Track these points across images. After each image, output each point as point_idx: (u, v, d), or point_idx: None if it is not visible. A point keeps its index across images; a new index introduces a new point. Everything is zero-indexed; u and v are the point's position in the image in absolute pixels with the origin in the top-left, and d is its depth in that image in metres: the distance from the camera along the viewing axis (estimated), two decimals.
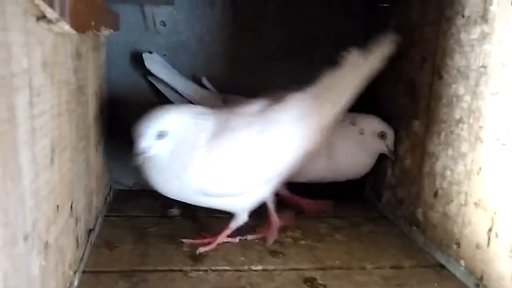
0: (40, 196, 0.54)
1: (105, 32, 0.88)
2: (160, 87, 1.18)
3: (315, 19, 1.26)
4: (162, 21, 1.18)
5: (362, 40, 1.28)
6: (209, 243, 0.94)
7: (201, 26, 1.22)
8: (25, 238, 0.49)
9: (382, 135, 1.14)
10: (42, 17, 0.51)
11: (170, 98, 1.17)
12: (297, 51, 1.26)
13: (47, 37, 0.56)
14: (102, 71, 1.03)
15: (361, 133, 1.14)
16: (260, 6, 1.23)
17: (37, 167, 0.53)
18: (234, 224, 0.96)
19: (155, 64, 1.16)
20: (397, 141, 1.14)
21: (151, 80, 1.18)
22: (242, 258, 0.91)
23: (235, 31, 1.24)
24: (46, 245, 0.58)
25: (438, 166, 0.96)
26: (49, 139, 0.58)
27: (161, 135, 0.81)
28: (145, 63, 1.14)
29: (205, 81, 1.20)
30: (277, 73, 1.25)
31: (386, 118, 1.16)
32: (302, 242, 1.00)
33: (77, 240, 0.78)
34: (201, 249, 0.93)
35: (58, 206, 0.63)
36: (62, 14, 0.51)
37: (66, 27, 0.55)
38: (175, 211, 1.12)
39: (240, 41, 1.24)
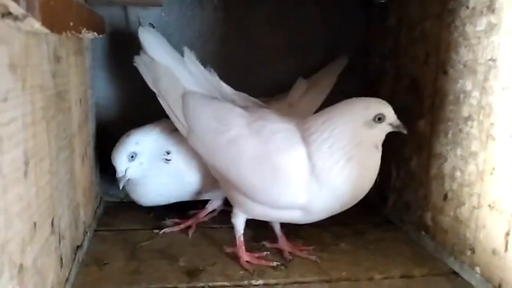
0: (10, 214, 0.48)
1: (88, 35, 0.83)
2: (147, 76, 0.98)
3: (309, 20, 1.20)
4: (150, 23, 1.11)
5: (360, 39, 1.24)
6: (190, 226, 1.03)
7: (191, 29, 1.17)
8: None
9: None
10: (7, 13, 0.46)
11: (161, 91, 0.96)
12: (292, 54, 1.21)
13: (15, 36, 0.50)
14: (87, 76, 0.97)
15: None
16: (252, 7, 1.18)
17: (5, 182, 0.47)
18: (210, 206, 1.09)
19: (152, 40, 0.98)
20: (401, 142, 1.08)
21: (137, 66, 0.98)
22: (242, 272, 0.85)
23: (227, 34, 1.19)
24: (21, 268, 0.52)
25: (447, 167, 0.91)
26: (22, 150, 0.52)
27: (132, 156, 0.96)
28: (140, 37, 0.97)
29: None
30: (271, 76, 1.20)
31: None
32: (305, 252, 0.94)
33: (61, 259, 0.71)
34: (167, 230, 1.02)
35: (35, 224, 0.57)
36: (29, 9, 0.45)
37: (36, 25, 0.49)
38: (168, 222, 1.06)
39: (232, 44, 1.19)
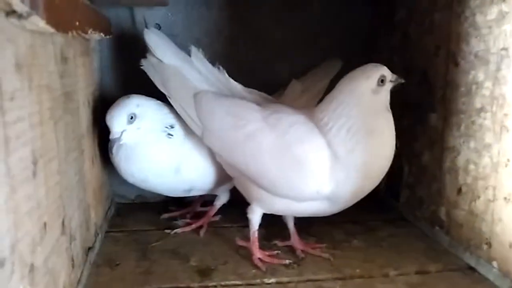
0: (20, 214, 0.48)
1: (95, 35, 0.83)
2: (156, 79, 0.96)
3: (315, 15, 1.19)
4: (157, 23, 1.12)
5: (367, 34, 1.23)
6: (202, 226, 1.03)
7: (198, 28, 1.16)
8: (1, 263, 0.43)
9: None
10: (11, 11, 0.45)
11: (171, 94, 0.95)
12: (298, 50, 1.20)
13: (20, 35, 0.50)
14: (95, 77, 0.97)
15: None
16: (258, 5, 1.17)
17: (13, 181, 0.46)
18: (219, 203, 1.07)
19: (159, 42, 0.96)
20: (412, 137, 1.07)
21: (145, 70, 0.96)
22: (254, 271, 0.84)
23: (234, 33, 1.18)
24: (32, 268, 0.52)
25: (460, 160, 0.89)
26: (29, 149, 0.52)
27: (131, 118, 0.89)
28: (147, 39, 0.95)
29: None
30: (279, 74, 1.18)
31: (398, 113, 1.08)
32: (317, 250, 0.93)
33: (73, 260, 0.71)
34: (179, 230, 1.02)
35: (45, 224, 0.57)
36: (33, 7, 0.45)
37: (41, 23, 0.49)
38: (180, 223, 1.06)
39: (239, 42, 1.18)
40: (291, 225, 0.95)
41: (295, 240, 0.94)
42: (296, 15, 1.19)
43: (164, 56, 0.96)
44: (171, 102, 0.94)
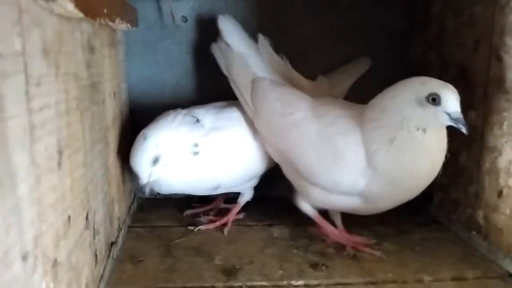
0: (44, 206, 0.46)
1: (122, 26, 0.81)
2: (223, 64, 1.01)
3: (348, 8, 1.15)
4: (183, 16, 1.10)
5: (401, 28, 1.18)
6: (226, 223, 1.00)
7: None
8: (24, 258, 0.41)
9: None
10: None
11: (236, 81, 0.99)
12: (330, 44, 1.15)
13: (48, 19, 0.48)
14: (121, 70, 0.95)
15: None
16: None
17: (38, 171, 0.44)
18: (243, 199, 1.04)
19: (231, 29, 1.01)
20: (448, 136, 1.01)
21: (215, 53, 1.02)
22: (281, 272, 0.81)
23: (261, 26, 1.14)
24: (55, 263, 0.50)
25: (502, 161, 0.84)
26: (55, 139, 0.50)
27: (154, 162, 0.85)
28: (220, 25, 1.00)
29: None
30: (306, 70, 1.14)
31: None
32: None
33: (96, 255, 0.69)
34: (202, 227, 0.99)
35: (69, 217, 0.55)
36: None
37: (69, 6, 0.47)
38: (203, 220, 1.03)
39: (268, 34, 1.13)
40: (339, 223, 0.95)
41: (343, 236, 0.93)
42: (328, 7, 1.15)
43: (233, 41, 1.00)
44: (231, 84, 0.99)
